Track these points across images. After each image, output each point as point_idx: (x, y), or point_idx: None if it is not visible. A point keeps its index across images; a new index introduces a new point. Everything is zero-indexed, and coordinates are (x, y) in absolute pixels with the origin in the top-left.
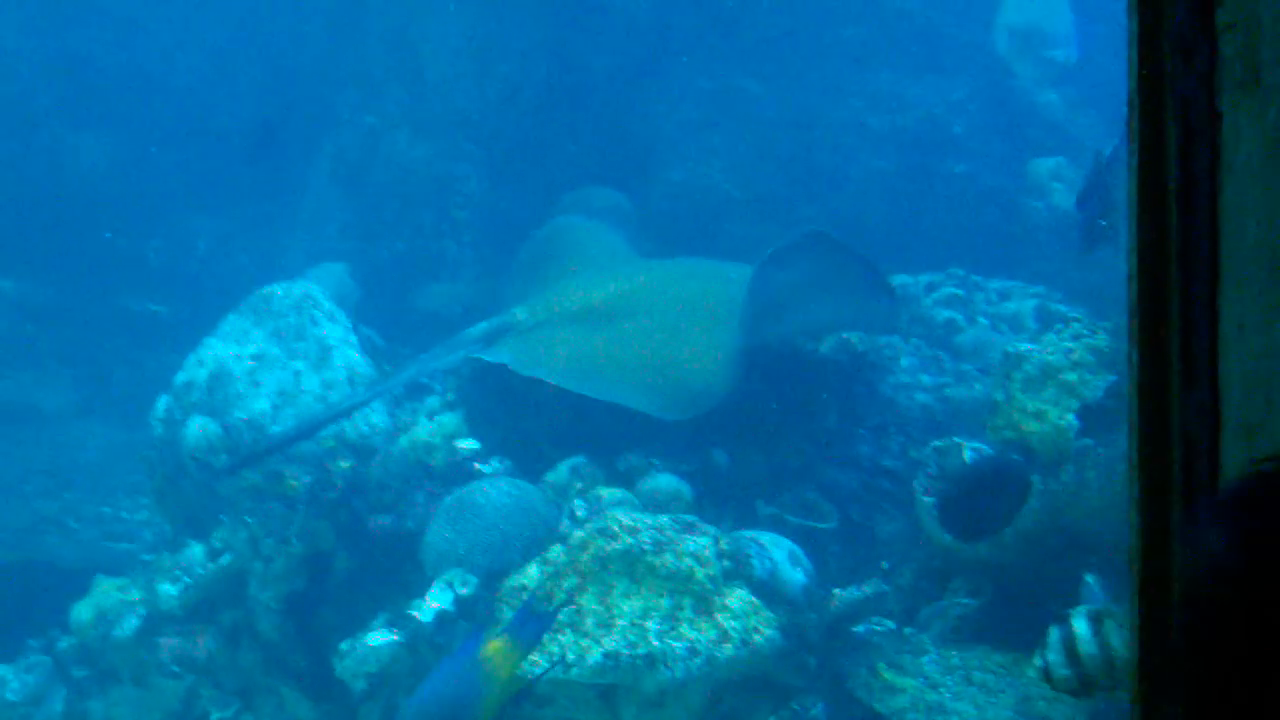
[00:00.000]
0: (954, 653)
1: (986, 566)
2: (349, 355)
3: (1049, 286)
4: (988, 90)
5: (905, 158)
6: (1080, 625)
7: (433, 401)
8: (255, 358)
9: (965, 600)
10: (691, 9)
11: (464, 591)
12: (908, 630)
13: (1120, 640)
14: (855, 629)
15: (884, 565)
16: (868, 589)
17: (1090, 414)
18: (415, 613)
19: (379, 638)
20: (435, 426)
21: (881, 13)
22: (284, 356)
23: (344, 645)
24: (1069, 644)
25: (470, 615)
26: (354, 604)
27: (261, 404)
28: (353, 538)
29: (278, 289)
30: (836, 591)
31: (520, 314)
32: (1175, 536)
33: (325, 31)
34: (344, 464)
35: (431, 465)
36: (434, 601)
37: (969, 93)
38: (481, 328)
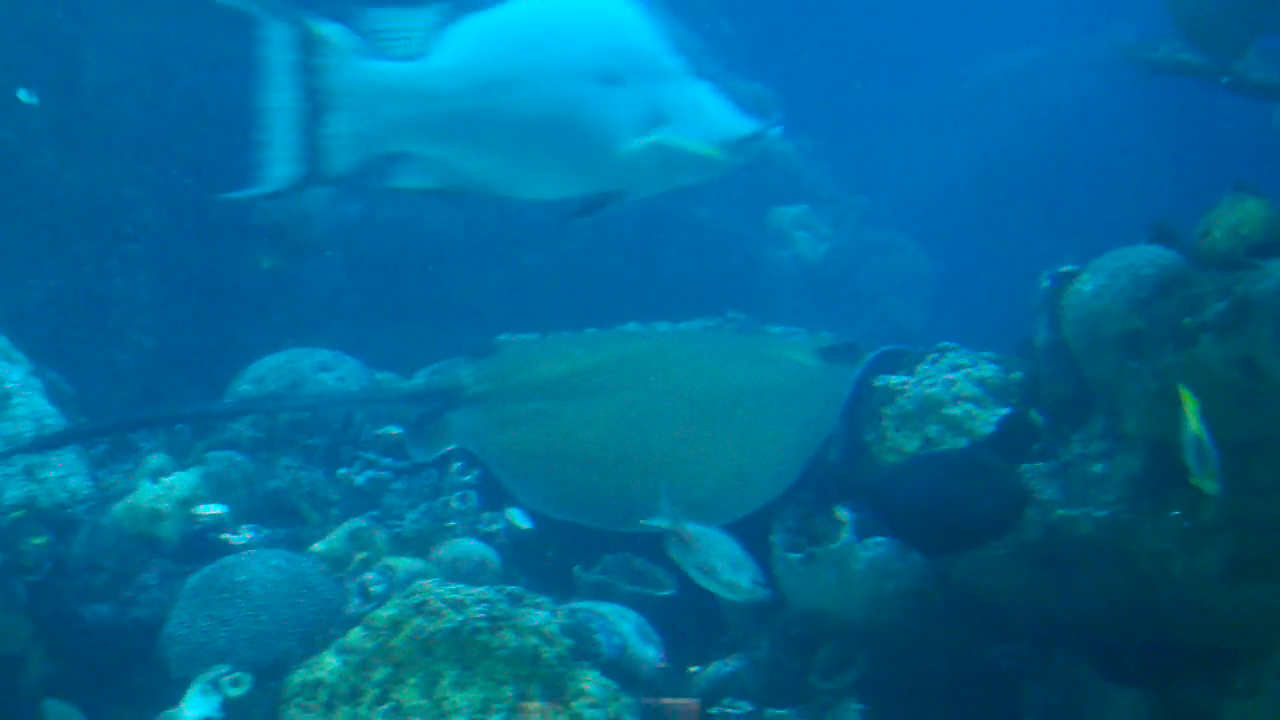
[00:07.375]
0: None
1: (859, 632)
2: (35, 403)
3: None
4: None
5: (643, 199)
6: None
7: (157, 460)
8: None
9: (834, 685)
10: None
11: (235, 692)
12: (769, 712)
13: None
14: (710, 712)
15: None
16: (731, 664)
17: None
18: None
19: None
20: (162, 489)
21: None
22: None
23: None
24: None
25: None
26: None
27: None
28: (58, 635)
29: None
30: (694, 669)
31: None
32: None
33: None
34: (37, 540)
35: (160, 538)
36: (192, 710)
37: None
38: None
